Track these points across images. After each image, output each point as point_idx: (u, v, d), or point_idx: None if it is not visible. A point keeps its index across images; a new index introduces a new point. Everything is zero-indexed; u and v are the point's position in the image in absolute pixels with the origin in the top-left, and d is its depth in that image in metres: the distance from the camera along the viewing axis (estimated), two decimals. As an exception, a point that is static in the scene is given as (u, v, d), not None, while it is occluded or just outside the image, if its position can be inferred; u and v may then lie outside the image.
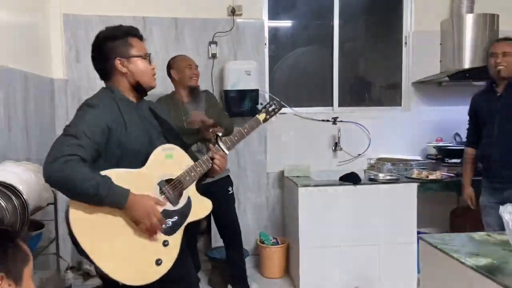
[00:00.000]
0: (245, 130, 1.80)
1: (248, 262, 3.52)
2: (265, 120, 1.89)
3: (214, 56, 3.49)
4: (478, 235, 1.75)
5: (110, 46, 1.60)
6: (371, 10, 4.00)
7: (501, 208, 1.57)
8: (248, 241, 3.59)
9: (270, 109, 1.90)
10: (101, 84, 3.52)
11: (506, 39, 2.68)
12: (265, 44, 3.65)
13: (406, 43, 3.85)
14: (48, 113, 3.17)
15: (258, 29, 3.59)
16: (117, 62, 1.60)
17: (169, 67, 2.88)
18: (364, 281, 3.07)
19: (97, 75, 3.49)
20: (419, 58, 3.78)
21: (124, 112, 1.56)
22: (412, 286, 3.08)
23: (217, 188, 2.79)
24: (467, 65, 3.53)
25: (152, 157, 1.53)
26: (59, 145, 1.38)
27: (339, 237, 3.07)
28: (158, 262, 1.48)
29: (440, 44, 3.76)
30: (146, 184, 1.49)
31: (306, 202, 3.04)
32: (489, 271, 1.36)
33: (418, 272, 3.05)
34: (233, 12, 3.48)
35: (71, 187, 1.34)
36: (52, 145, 1.41)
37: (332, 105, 3.82)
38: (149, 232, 1.47)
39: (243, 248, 3.08)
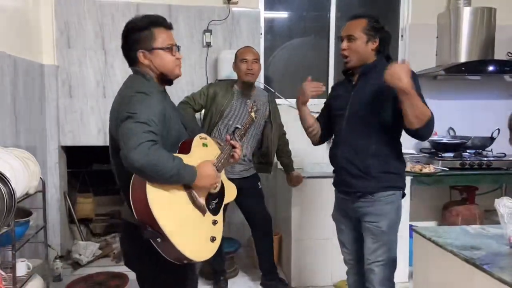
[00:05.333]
0: (247, 126, 2.04)
1: (241, 254, 3.51)
2: (255, 117, 2.17)
3: (208, 44, 3.44)
4: (472, 228, 1.74)
5: (134, 37, 1.61)
6: (368, 2, 3.97)
7: (496, 201, 1.56)
8: (241, 233, 3.58)
9: (255, 108, 2.19)
10: (93, 71, 3.49)
11: (354, 16, 2.04)
12: (261, 34, 3.61)
13: (402, 36, 3.82)
14: (38, 98, 3.11)
15: (254, 19, 3.54)
16: (140, 54, 1.61)
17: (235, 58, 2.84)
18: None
19: (88, 62, 3.46)
20: (415, 51, 3.76)
21: (164, 100, 1.63)
22: (403, 279, 3.08)
23: (248, 184, 2.84)
24: (463, 58, 3.52)
25: (193, 144, 1.66)
26: (135, 132, 1.42)
27: (331, 229, 3.03)
28: (213, 239, 1.64)
29: (437, 37, 3.75)
30: None
31: (299, 194, 3.02)
32: (483, 264, 1.34)
33: (410, 265, 3.07)
34: (228, 0, 3.43)
35: (156, 169, 1.42)
36: (125, 132, 1.43)
37: (327, 97, 3.78)
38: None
39: (273, 239, 3.05)
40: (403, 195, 2.07)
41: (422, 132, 1.85)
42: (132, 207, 1.47)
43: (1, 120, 2.40)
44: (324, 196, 3.04)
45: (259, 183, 3.00)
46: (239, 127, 1.95)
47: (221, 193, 1.76)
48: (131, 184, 1.48)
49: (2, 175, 1.83)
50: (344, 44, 2.02)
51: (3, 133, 2.43)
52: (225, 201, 1.77)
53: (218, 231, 1.68)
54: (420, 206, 3.59)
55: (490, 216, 3.42)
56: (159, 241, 1.46)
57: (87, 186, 3.99)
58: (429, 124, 1.83)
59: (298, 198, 3.03)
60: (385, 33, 2.03)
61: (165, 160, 1.44)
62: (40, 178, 2.31)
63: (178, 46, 1.67)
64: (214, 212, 1.68)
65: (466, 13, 3.51)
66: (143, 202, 1.44)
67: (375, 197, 1.99)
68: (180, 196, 1.55)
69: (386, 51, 2.06)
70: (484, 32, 3.51)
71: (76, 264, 3.28)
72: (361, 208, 2.03)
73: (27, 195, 2.16)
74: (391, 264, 2.04)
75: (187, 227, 1.55)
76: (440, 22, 3.72)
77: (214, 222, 1.67)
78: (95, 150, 3.43)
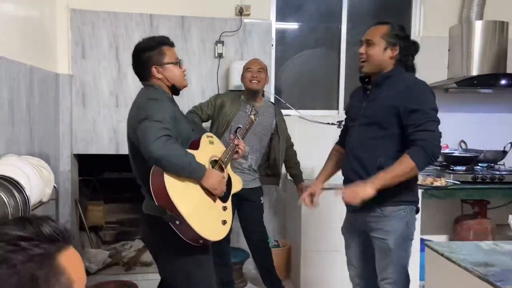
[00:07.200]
0: (247, 126, 2.30)
1: (249, 265, 3.50)
2: (254, 120, 2.37)
3: (220, 55, 3.47)
4: (485, 243, 1.72)
5: (147, 56, 1.86)
6: (379, 14, 3.97)
7: (510, 217, 1.54)
8: (249, 243, 3.57)
9: (254, 112, 2.39)
10: (106, 81, 3.53)
11: (379, 22, 2.01)
12: (272, 45, 3.63)
13: (414, 48, 3.82)
14: (52, 107, 3.16)
15: (266, 30, 3.57)
16: (154, 69, 1.86)
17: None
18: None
19: (101, 72, 3.51)
20: (426, 64, 3.73)
21: (173, 106, 1.86)
22: (413, 294, 3.05)
23: (250, 195, 2.86)
24: (475, 72, 3.51)
25: (201, 142, 1.88)
26: (152, 129, 1.64)
27: (341, 241, 3.02)
28: (224, 222, 1.86)
29: (449, 50, 3.74)
30: (201, 162, 1.81)
31: (309, 205, 3.01)
32: (497, 281, 1.33)
33: (421, 279, 3.03)
34: (240, 12, 3.46)
35: (171, 161, 1.63)
36: (143, 130, 1.65)
37: (337, 108, 3.79)
38: (219, 195, 1.85)
39: (271, 254, 3.05)
40: (417, 210, 2.01)
41: (424, 167, 1.86)
42: (153, 195, 1.68)
43: (16, 128, 2.44)
44: (334, 207, 3.02)
45: (261, 198, 2.99)
46: (241, 126, 2.25)
47: (229, 183, 1.99)
48: (151, 175, 1.68)
49: (17, 183, 1.85)
50: (362, 49, 1.97)
51: (18, 140, 2.47)
52: (233, 190, 2.01)
53: (228, 216, 1.90)
54: (431, 220, 3.56)
55: (502, 231, 3.37)
56: (178, 223, 1.66)
57: (97, 194, 4.02)
58: (420, 166, 1.80)
59: (308, 209, 3.01)
60: (409, 43, 1.97)
61: (179, 153, 1.65)
62: (54, 186, 2.34)
63: (181, 60, 1.94)
64: (224, 199, 1.91)
65: (478, 26, 3.50)
66: (162, 189, 1.65)
67: (384, 212, 1.93)
68: (193, 184, 1.76)
69: (409, 61, 1.98)
70: (496, 46, 3.50)
71: (86, 272, 3.29)
72: (370, 223, 1.98)
73: (40, 203, 2.18)
74: (403, 281, 1.98)
75: (201, 211, 1.75)
76: (452, 35, 3.71)
77: (224, 208, 1.89)
78: (106, 158, 3.46)
